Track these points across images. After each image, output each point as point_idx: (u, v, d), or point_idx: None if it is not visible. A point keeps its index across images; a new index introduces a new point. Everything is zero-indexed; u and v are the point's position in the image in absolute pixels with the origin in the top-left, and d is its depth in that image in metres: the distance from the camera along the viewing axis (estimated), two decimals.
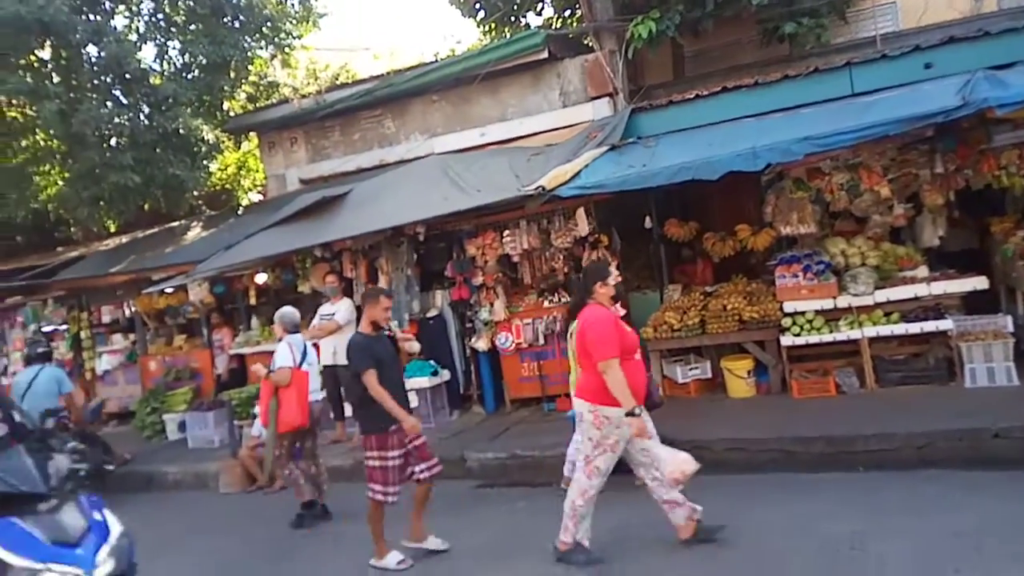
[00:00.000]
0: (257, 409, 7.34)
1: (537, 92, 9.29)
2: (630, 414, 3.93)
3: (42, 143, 10.14)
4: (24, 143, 10.00)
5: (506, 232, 7.84)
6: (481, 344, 7.94)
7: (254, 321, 9.84)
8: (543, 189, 6.66)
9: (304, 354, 6.10)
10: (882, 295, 6.57)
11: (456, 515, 5.41)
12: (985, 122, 6.18)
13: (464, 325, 8.23)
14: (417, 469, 4.60)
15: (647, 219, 8.00)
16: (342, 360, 7.35)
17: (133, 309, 10.46)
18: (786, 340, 6.72)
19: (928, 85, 6.28)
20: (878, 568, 3.59)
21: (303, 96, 10.69)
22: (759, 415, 6.32)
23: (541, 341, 7.76)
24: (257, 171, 13.89)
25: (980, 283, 6.48)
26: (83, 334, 10.98)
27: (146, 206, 10.49)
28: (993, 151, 6.44)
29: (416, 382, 7.77)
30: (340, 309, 7.60)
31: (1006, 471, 4.58)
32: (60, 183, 9.86)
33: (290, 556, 5.09)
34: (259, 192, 13.90)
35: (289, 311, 6.33)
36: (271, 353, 9.08)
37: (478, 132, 9.37)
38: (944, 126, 6.05)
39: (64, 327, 11.27)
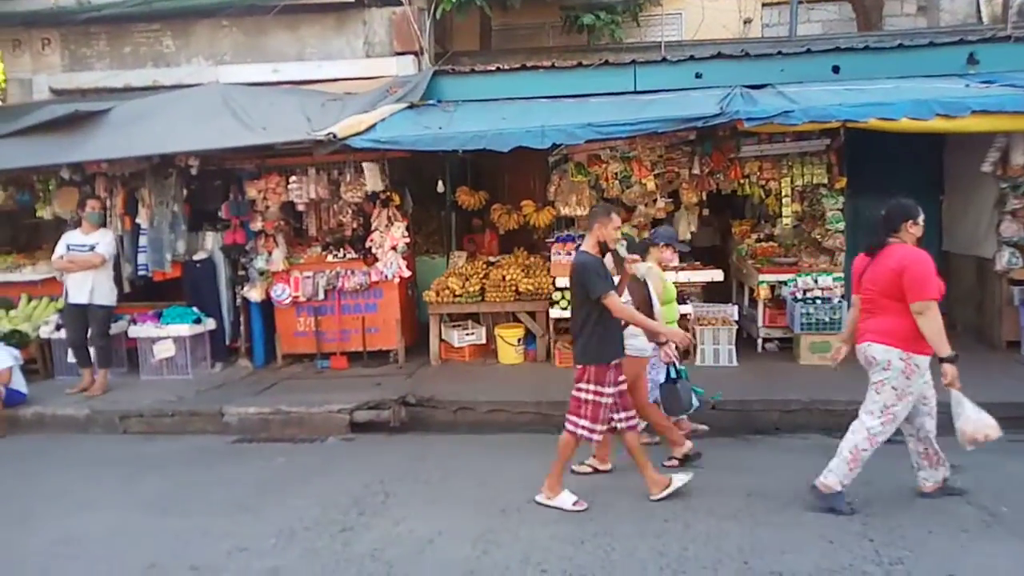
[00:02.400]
0: None
1: (340, 36, 8.84)
2: (949, 360, 3.70)
3: None
4: None
5: (292, 178, 7.43)
6: (254, 294, 7.49)
7: None
8: (334, 136, 6.40)
9: None
10: None
11: (207, 469, 5.11)
12: (737, 133, 7.03)
13: (236, 272, 7.68)
14: (616, 417, 4.17)
15: (439, 184, 8.05)
16: (98, 299, 6.62)
17: None
18: (554, 313, 7.19)
19: (697, 93, 6.98)
20: (601, 515, 3.99)
21: None
22: (523, 380, 6.70)
23: (321, 296, 7.51)
24: None
25: (717, 275, 7.42)
26: None
27: None
28: (740, 160, 7.36)
29: (175, 329, 7.18)
30: (102, 241, 6.69)
31: (720, 438, 5.33)
32: None
33: None
34: None
35: None
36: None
37: (271, 68, 8.69)
38: (704, 131, 6.79)
39: None
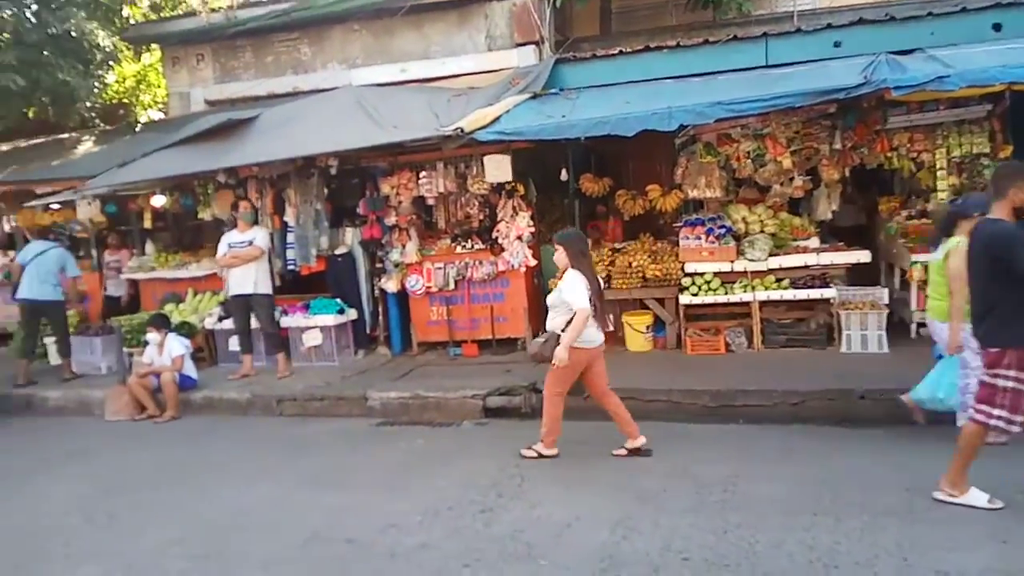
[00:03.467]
0: (147, 336, 7.09)
1: (462, 32, 9.07)
2: None
3: None
4: None
5: (422, 173, 7.71)
6: (390, 285, 7.86)
7: (149, 246, 9.34)
8: (462, 131, 6.58)
9: None
10: (775, 262, 6.95)
11: (355, 449, 5.45)
12: (883, 104, 6.55)
13: (374, 265, 8.10)
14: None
15: (563, 172, 8.07)
16: (261, 289, 7.24)
17: (13, 224, 9.69)
18: (684, 299, 7.03)
19: (835, 63, 6.57)
20: (745, 506, 3.88)
21: (212, 10, 10.00)
22: (652, 368, 6.63)
23: (451, 286, 7.76)
24: (159, 87, 12.97)
25: (864, 257, 6.96)
26: None
27: (31, 113, 9.63)
28: (887, 132, 6.85)
29: (321, 319, 7.67)
30: (258, 236, 7.35)
31: (867, 429, 5.03)
32: None
33: (176, 481, 4.98)
34: (160, 110, 13.01)
35: None
36: (167, 280, 8.82)
37: (399, 68, 9.08)
38: (846, 103, 6.38)
39: None
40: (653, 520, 3.82)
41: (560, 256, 4.87)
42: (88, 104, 10.04)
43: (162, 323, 7.16)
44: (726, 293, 6.94)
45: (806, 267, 6.94)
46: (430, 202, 7.95)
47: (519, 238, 7.50)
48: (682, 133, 7.24)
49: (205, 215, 8.49)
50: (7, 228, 9.94)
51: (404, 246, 7.87)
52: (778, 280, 6.94)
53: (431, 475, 4.74)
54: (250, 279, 7.19)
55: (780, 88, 6.20)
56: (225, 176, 7.92)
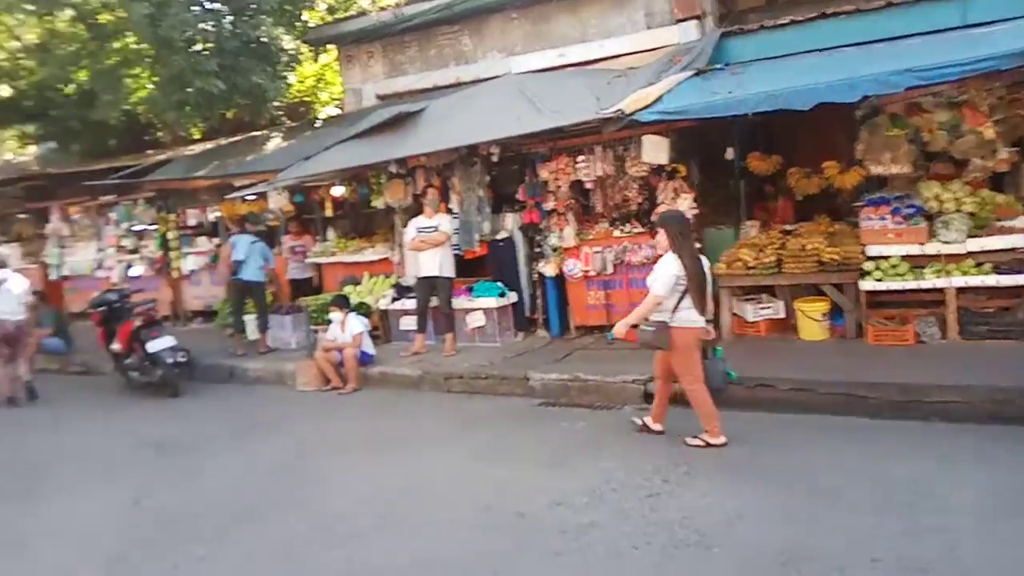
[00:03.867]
0: (330, 315, 7.71)
1: (620, 12, 8.95)
2: None
3: (133, 46, 10.41)
4: (116, 45, 10.29)
5: (580, 157, 7.74)
6: (549, 269, 8.00)
7: (330, 232, 10.14)
8: (622, 113, 6.51)
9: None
10: (975, 244, 6.27)
11: (520, 427, 5.64)
12: None
13: (533, 249, 8.28)
14: None
15: (728, 151, 7.75)
16: (446, 272, 7.67)
17: (216, 214, 10.90)
18: (866, 284, 6.52)
19: None
20: (940, 509, 3.58)
21: (381, 9, 10.59)
22: (830, 358, 6.23)
23: (609, 270, 7.75)
24: (335, 84, 13.98)
25: None
26: (170, 235, 11.56)
27: (229, 114, 10.75)
28: None
29: (483, 302, 7.96)
30: (443, 222, 7.74)
31: None
32: (150, 86, 10.17)
33: (360, 448, 5.41)
34: (336, 106, 14.03)
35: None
36: (345, 264, 9.53)
37: (557, 53, 9.15)
38: None
39: (153, 227, 11.87)
40: (832, 517, 3.63)
41: (661, 238, 4.91)
42: (276, 103, 11.04)
43: (343, 303, 7.77)
44: (915, 278, 6.36)
45: (1012, 250, 6.19)
46: (588, 186, 7.96)
47: None
48: (863, 104, 6.69)
49: (378, 203, 9.06)
50: (211, 217, 11.20)
51: (562, 230, 7.96)
52: (978, 264, 6.26)
53: (595, 456, 4.79)
54: (436, 262, 7.61)
55: (983, 50, 5.53)
56: (396, 166, 8.42)
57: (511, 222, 8.35)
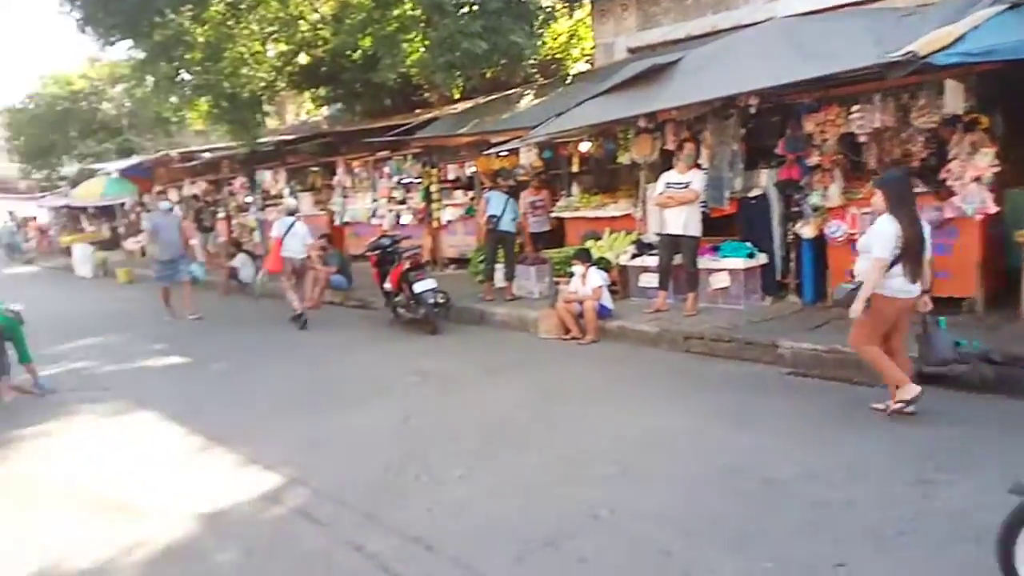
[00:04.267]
0: (572, 267, 7.91)
1: None
2: None
3: (409, 12, 11.40)
4: (396, 12, 11.35)
5: (855, 107, 6.97)
6: (807, 231, 7.40)
7: (574, 188, 10.37)
8: (914, 55, 5.69)
9: (288, 230, 9.38)
10: None
11: (765, 395, 5.38)
12: None
13: (789, 208, 7.70)
14: None
15: None
16: (691, 231, 7.50)
17: (473, 169, 11.69)
18: None
19: None
20: None
21: None
22: None
23: None
24: (586, 40, 14.09)
25: None
26: (432, 188, 12.66)
27: (488, 73, 11.36)
28: None
29: (731, 262, 7.64)
30: (695, 179, 7.52)
31: None
32: (421, 50, 11.08)
33: (598, 397, 5.56)
34: (587, 62, 14.16)
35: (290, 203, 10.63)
36: (587, 219, 9.70)
37: None
38: None
39: (418, 180, 13.09)
40: None
41: (878, 200, 4.71)
42: (531, 61, 11.43)
43: (585, 257, 7.95)
44: None
45: None
46: (861, 139, 7.16)
47: (977, 180, 6.32)
48: None
49: (624, 159, 9.05)
50: (468, 172, 12.04)
51: (826, 188, 7.28)
52: None
53: (855, 434, 4.44)
54: (682, 220, 7.46)
55: None
56: (645, 121, 8.29)
57: (765, 178, 7.83)
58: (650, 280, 8.16)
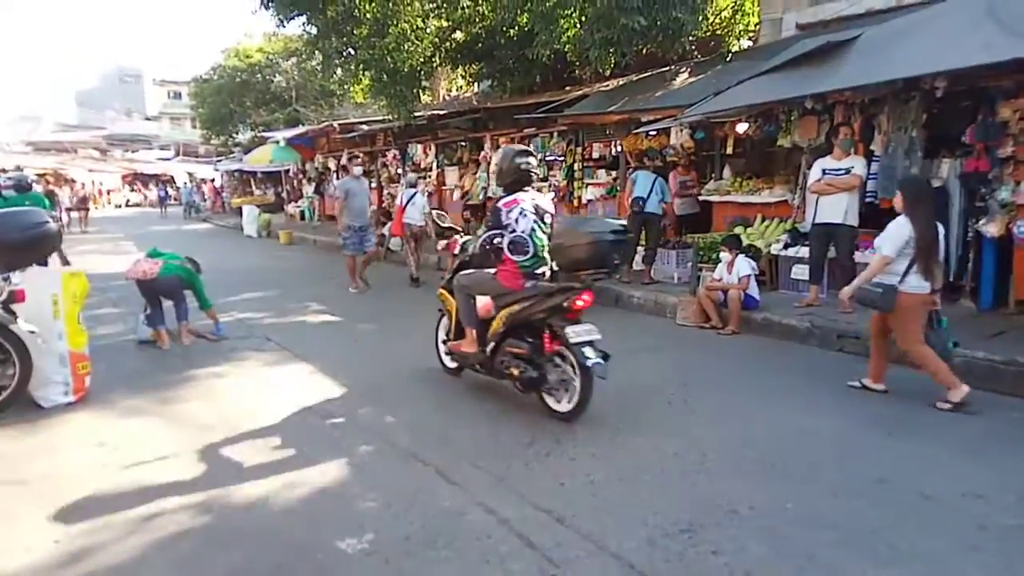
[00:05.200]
0: (720, 254, 7.61)
1: None
2: None
3: None
4: None
5: None
6: (992, 228, 6.65)
7: (726, 170, 9.93)
8: None
9: (410, 200, 10.90)
10: None
11: (927, 404, 4.92)
12: None
13: (972, 203, 6.95)
14: None
15: None
16: (850, 220, 7.04)
17: (619, 148, 11.50)
18: None
19: None
20: None
21: None
22: None
23: None
24: (751, 15, 13.36)
25: None
26: (576, 166, 12.60)
27: (643, 50, 11.07)
28: None
29: None
30: (856, 164, 7.06)
31: None
32: (578, 26, 10.98)
33: (738, 388, 5.33)
34: (750, 38, 13.44)
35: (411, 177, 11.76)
36: (738, 204, 9.28)
37: None
38: None
39: (562, 158, 13.07)
40: None
41: (897, 201, 5.05)
42: (690, 37, 11.00)
43: (734, 244, 7.61)
44: None
45: None
46: None
47: None
48: None
49: (784, 142, 8.53)
50: (614, 151, 11.85)
51: (1018, 183, 6.51)
52: None
53: None
54: (840, 208, 6.98)
55: None
56: (812, 102, 7.76)
57: (947, 169, 7.10)
58: (803, 272, 7.70)
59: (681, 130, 9.55)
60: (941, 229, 5.05)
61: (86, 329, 5.52)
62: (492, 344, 5.03)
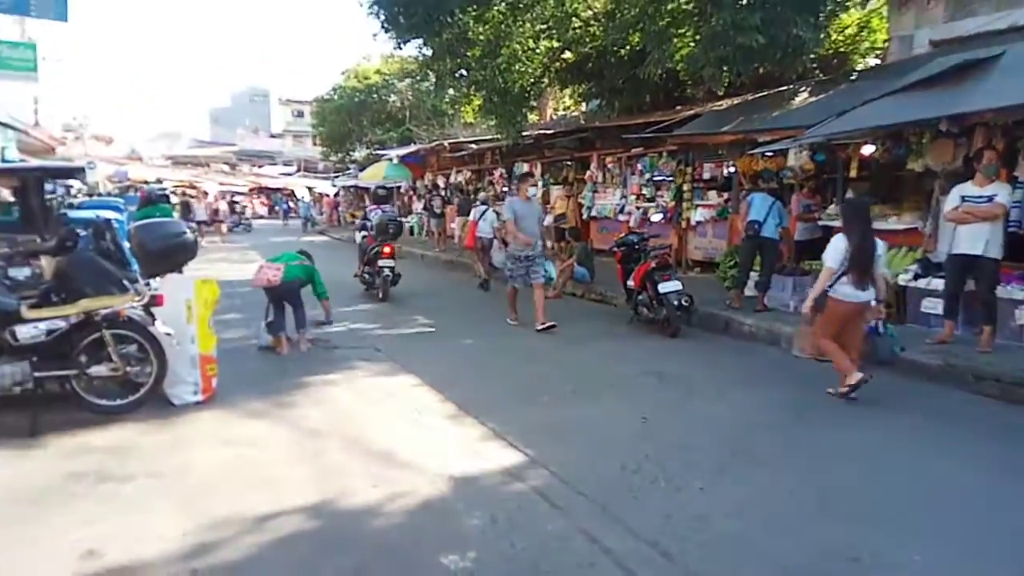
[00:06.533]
0: None
1: None
2: None
3: (683, 6, 11.14)
4: (669, 6, 11.17)
5: None
6: None
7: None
8: None
9: (481, 216, 12.56)
10: None
11: None
12: None
13: None
14: None
15: None
16: (992, 252, 6.42)
17: (732, 169, 11.17)
18: None
19: None
20: None
21: None
22: None
23: None
24: (879, 32, 12.67)
25: None
26: (685, 187, 12.34)
27: (761, 69, 10.73)
28: None
29: None
30: (1001, 192, 6.43)
31: None
32: (692, 45, 10.78)
33: (818, 423, 5.00)
34: (877, 56, 12.75)
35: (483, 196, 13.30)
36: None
37: None
38: None
39: (670, 179, 12.84)
40: None
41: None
42: (811, 56, 10.56)
43: None
44: None
45: None
46: None
47: None
48: None
49: (915, 166, 7.99)
50: (726, 172, 11.52)
51: None
52: None
53: None
54: (981, 239, 6.40)
55: None
56: (948, 124, 7.24)
57: None
58: (934, 306, 7.16)
59: (800, 151, 9.15)
60: (881, 245, 5.76)
61: (215, 333, 5.90)
62: None
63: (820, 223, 9.42)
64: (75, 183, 18.66)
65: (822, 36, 10.09)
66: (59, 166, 11.13)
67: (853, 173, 9.13)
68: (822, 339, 5.82)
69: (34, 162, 15.56)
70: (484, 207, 12.77)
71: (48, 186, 9.70)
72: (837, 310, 5.68)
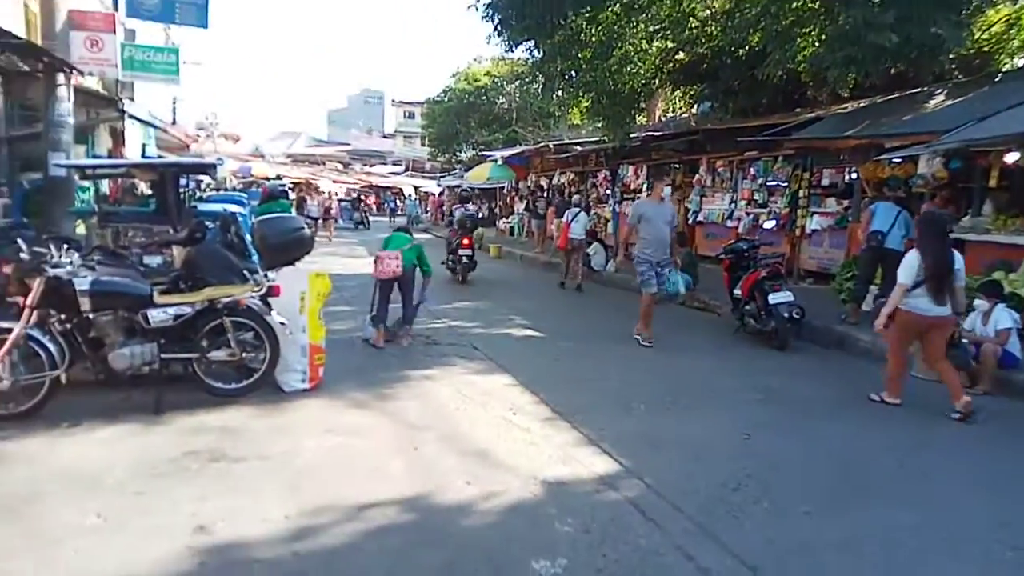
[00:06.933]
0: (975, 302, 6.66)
1: None
2: None
3: (809, 4, 10.57)
4: (794, 5, 10.63)
5: None
6: None
7: (987, 206, 8.64)
8: None
9: (574, 218, 12.64)
10: None
11: None
12: None
13: None
14: None
15: None
16: None
17: (854, 175, 10.51)
18: None
19: None
20: None
21: None
22: None
23: None
24: None
25: None
26: (801, 193, 11.74)
27: (893, 70, 10.03)
28: None
29: None
30: None
31: None
32: (817, 44, 10.22)
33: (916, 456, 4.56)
34: None
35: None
36: (999, 245, 8.07)
37: None
38: None
39: (785, 184, 12.25)
40: None
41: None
42: (951, 55, 9.76)
43: (993, 291, 6.63)
44: None
45: None
46: None
47: None
48: None
49: None
50: (847, 179, 10.85)
51: None
52: None
53: None
54: None
55: None
56: None
57: None
58: None
59: (933, 158, 8.47)
60: (959, 260, 5.59)
61: (324, 324, 6.14)
62: None
63: (952, 235, 8.68)
64: (205, 178, 20.01)
65: (964, 35, 9.28)
66: (194, 162, 11.94)
67: (992, 183, 8.36)
68: (891, 351, 5.88)
69: (171, 158, 16.84)
70: (577, 209, 12.94)
71: (182, 180, 10.45)
72: (909, 323, 5.68)
